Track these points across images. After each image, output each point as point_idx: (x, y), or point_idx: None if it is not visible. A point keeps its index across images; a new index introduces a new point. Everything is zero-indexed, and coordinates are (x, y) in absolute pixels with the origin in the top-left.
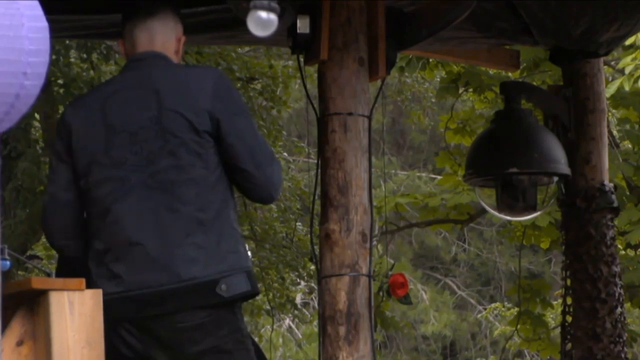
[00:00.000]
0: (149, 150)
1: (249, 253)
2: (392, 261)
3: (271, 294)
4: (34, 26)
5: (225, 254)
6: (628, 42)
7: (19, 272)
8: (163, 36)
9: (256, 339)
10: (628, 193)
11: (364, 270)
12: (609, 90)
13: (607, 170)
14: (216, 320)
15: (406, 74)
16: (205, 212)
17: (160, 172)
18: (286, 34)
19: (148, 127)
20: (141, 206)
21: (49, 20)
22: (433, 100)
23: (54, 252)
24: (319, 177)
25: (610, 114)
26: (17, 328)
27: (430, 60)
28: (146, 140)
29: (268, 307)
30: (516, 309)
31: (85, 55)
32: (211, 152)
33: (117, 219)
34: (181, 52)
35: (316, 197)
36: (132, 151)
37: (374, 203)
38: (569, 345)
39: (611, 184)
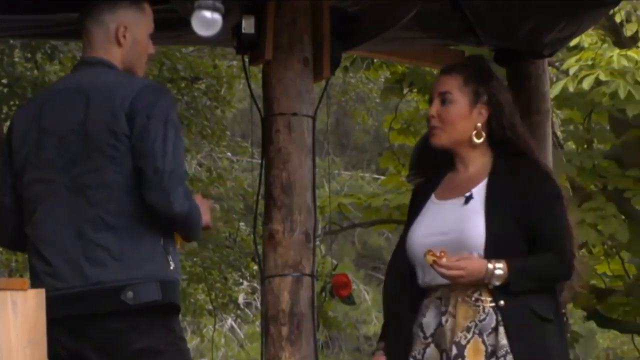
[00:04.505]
0: (72, 153)
1: (173, 261)
2: (335, 261)
3: (214, 294)
4: None
5: (138, 261)
6: (572, 43)
7: None
8: (99, 36)
9: (198, 339)
10: (571, 194)
11: (307, 270)
12: (554, 91)
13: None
14: (149, 321)
15: (350, 74)
16: (117, 216)
17: (79, 175)
18: (231, 34)
19: (74, 131)
20: (60, 208)
21: None
22: (377, 100)
23: None
24: (263, 177)
25: (554, 114)
26: None
27: (375, 60)
28: (72, 143)
29: (210, 307)
30: None
31: (29, 55)
32: (128, 156)
33: (40, 220)
34: (127, 40)
35: (260, 197)
36: (59, 154)
37: (318, 203)
38: None
39: None
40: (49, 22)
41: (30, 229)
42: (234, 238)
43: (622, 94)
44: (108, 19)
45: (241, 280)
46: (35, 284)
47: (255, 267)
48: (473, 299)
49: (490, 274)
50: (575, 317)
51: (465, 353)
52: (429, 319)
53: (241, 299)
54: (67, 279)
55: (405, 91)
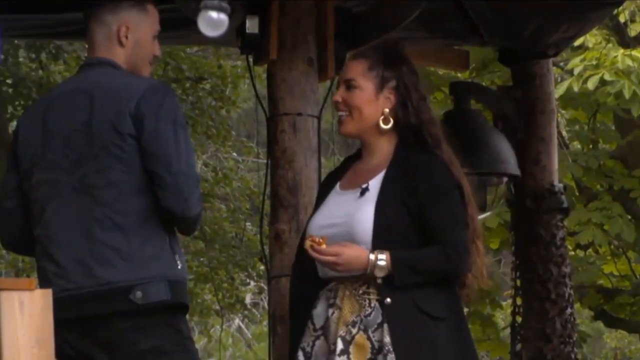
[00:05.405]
0: (78, 154)
1: (179, 260)
2: None
3: (220, 294)
4: None
5: (146, 260)
6: (577, 43)
7: None
8: (101, 37)
9: (205, 339)
10: (577, 194)
11: None
12: (558, 91)
13: (556, 171)
14: (156, 321)
15: None
16: (125, 216)
17: (85, 175)
18: (235, 34)
19: (79, 131)
20: (67, 209)
21: None
22: None
23: (3, 252)
24: (269, 177)
25: (559, 114)
26: None
27: None
28: (77, 143)
29: (217, 307)
30: (465, 309)
31: (34, 55)
32: (135, 156)
33: (49, 221)
34: (129, 40)
35: (266, 197)
36: (64, 154)
37: None
38: (519, 346)
39: (561, 185)
40: (54, 22)
41: (38, 231)
42: (241, 238)
43: (626, 94)
44: (110, 20)
45: (248, 281)
46: (43, 284)
47: (262, 267)
48: (360, 292)
49: (373, 264)
50: (582, 317)
51: (350, 349)
52: (319, 311)
53: (248, 299)
54: (76, 279)
55: None
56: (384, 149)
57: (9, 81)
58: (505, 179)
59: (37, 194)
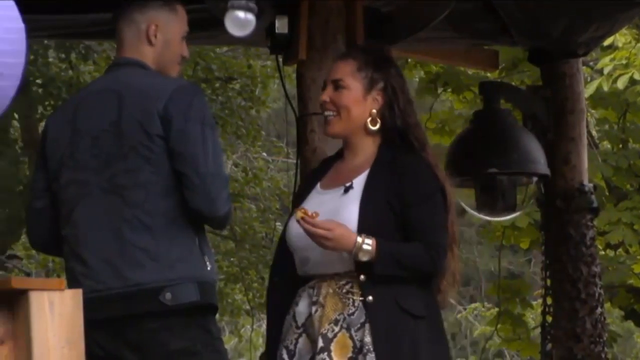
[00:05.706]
0: (107, 154)
1: (209, 261)
2: None
3: (251, 294)
4: (9, 27)
5: (174, 262)
6: (606, 42)
7: None
8: (130, 36)
9: (236, 339)
10: (607, 193)
11: None
12: (588, 91)
13: (586, 171)
14: (185, 322)
15: None
16: (153, 217)
17: (114, 175)
18: (264, 34)
19: (108, 131)
20: (96, 209)
21: (27, 20)
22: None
23: (34, 252)
24: (299, 177)
25: (589, 114)
26: None
27: (409, 60)
28: (105, 144)
29: (248, 307)
30: (496, 309)
31: (63, 55)
32: (164, 157)
33: (77, 221)
34: (158, 39)
35: None
36: (93, 154)
37: None
38: (549, 346)
39: (591, 185)
40: (83, 22)
41: (67, 231)
42: (271, 238)
43: None
44: (139, 18)
45: None
46: (72, 285)
47: None
48: (344, 291)
49: (359, 247)
50: (612, 316)
51: (331, 347)
52: (301, 308)
53: None
54: (105, 280)
55: (439, 91)
56: (367, 149)
57: (38, 81)
58: (535, 179)
59: (66, 194)
